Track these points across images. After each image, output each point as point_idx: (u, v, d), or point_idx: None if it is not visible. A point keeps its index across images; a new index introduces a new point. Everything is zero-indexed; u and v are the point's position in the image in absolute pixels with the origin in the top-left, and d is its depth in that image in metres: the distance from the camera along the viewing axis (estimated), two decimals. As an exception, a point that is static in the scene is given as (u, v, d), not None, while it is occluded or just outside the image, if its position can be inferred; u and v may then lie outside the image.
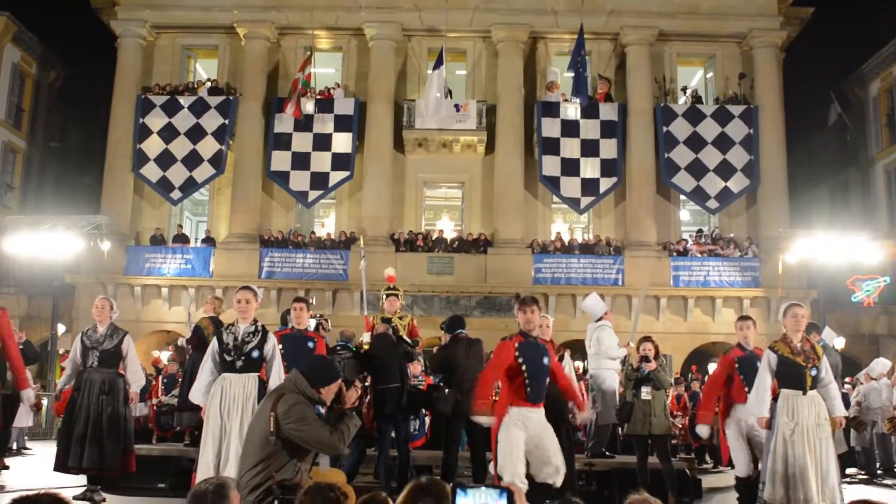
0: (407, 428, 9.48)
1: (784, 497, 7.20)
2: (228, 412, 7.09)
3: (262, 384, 7.36)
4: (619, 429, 11.71)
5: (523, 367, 6.98)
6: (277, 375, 7.26)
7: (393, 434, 9.24)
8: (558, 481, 6.99)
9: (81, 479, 8.91)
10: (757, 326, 9.08)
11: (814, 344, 7.73)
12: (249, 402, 7.13)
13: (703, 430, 8.95)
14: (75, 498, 8.15)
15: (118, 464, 8.67)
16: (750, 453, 8.34)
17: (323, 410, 5.37)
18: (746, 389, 8.20)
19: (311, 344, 8.84)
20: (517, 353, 7.03)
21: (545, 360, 7.16)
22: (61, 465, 8.70)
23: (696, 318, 24.83)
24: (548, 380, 7.24)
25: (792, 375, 7.49)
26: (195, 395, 7.46)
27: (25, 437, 16.08)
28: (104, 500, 8.45)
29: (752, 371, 8.18)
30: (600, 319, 10.57)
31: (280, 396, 5.18)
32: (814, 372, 7.48)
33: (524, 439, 6.92)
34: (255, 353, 7.30)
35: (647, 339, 9.83)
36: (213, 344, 7.41)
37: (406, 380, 9.40)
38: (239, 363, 7.24)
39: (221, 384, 7.21)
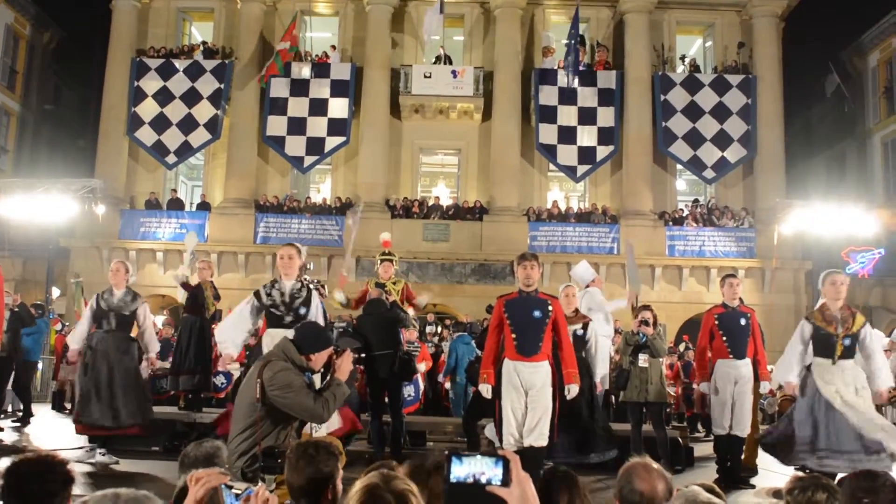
0: (399, 394, 9.51)
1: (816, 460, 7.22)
2: None
3: None
4: (612, 396, 11.77)
5: (508, 322, 7.22)
6: None
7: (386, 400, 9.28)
8: (543, 443, 7.12)
9: (79, 440, 8.98)
10: (741, 285, 9.20)
11: (855, 313, 7.73)
12: None
13: (702, 387, 9.04)
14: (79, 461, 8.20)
15: (136, 420, 8.71)
16: (730, 412, 8.44)
17: (314, 378, 5.35)
18: (727, 346, 8.45)
19: None
20: (504, 309, 7.29)
21: (536, 314, 7.23)
22: (88, 426, 8.66)
23: (691, 287, 24.89)
24: (543, 335, 7.23)
25: (823, 344, 7.57)
26: (227, 344, 7.45)
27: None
28: (116, 461, 8.54)
29: (734, 328, 8.39)
30: (588, 287, 10.58)
31: (267, 363, 5.16)
32: (847, 342, 7.52)
33: (520, 401, 7.10)
34: (303, 310, 7.40)
35: (646, 307, 9.97)
36: (251, 301, 7.40)
37: (399, 346, 9.41)
38: (288, 318, 7.31)
39: (271, 337, 7.18)
